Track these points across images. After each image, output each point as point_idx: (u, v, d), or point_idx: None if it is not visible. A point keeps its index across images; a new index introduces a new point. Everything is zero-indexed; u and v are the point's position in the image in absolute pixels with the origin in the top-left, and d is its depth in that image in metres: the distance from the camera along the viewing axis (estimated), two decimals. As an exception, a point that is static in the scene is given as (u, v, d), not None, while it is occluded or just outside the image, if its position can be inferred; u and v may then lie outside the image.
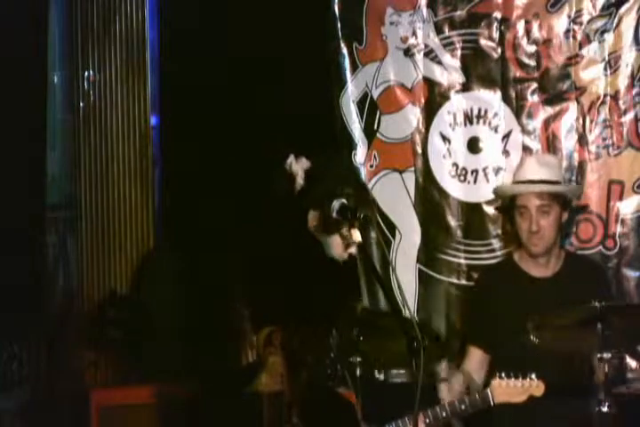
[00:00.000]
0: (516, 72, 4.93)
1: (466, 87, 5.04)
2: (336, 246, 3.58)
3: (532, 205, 4.19)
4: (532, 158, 4.46)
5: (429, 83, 5.10)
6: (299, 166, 3.59)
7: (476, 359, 4.29)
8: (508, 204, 4.34)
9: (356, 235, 3.36)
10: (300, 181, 3.58)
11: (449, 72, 5.06)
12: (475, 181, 4.98)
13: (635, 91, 4.73)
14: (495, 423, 4.20)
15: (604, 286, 4.35)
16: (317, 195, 3.49)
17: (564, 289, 4.17)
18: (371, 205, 3.65)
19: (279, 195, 3.64)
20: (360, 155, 5.20)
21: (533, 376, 3.82)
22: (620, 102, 4.74)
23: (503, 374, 3.84)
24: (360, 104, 5.21)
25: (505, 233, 4.89)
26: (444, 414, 3.75)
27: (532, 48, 4.89)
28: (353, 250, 3.44)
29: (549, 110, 4.87)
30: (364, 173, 5.18)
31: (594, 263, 4.55)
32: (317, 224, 3.54)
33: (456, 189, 5.02)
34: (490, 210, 4.94)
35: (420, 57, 5.11)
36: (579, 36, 4.82)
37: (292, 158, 3.61)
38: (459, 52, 5.05)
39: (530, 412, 4.06)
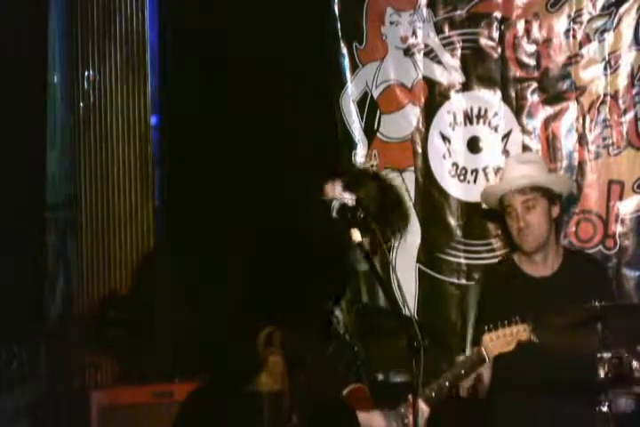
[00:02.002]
0: (515, 72, 4.93)
1: (466, 87, 5.04)
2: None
3: (517, 202, 4.18)
4: (510, 159, 4.48)
5: (429, 82, 5.10)
6: (336, 191, 3.57)
7: None
8: (498, 209, 4.34)
9: (356, 235, 3.36)
10: (335, 204, 3.54)
11: (449, 72, 5.06)
12: (475, 181, 4.98)
13: (634, 90, 4.73)
14: (496, 423, 4.20)
15: (605, 283, 4.34)
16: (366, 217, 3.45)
17: (564, 288, 4.16)
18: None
19: (314, 224, 3.62)
20: (360, 154, 5.20)
21: (518, 319, 3.83)
22: (620, 102, 4.74)
23: (491, 326, 3.84)
24: (360, 104, 5.21)
25: (504, 234, 4.89)
26: (447, 383, 3.74)
27: (531, 48, 4.89)
28: (355, 236, 3.40)
29: (549, 110, 4.87)
30: (363, 172, 5.18)
31: (593, 260, 4.54)
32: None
33: (456, 189, 5.03)
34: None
35: (420, 57, 5.11)
36: (579, 36, 4.82)
37: (333, 183, 3.59)
38: (459, 52, 5.05)
39: (530, 411, 4.07)
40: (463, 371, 3.82)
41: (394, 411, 3.65)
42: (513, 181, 4.22)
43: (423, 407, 3.61)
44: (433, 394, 3.69)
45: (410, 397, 3.62)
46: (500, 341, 3.85)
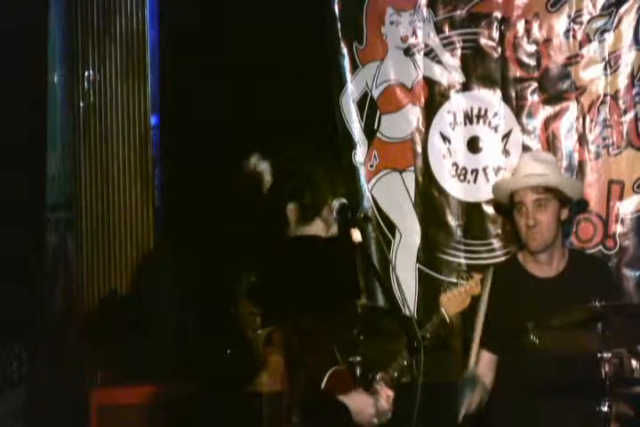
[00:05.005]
0: (516, 72, 4.93)
1: (466, 87, 5.04)
2: (320, 232, 3.58)
3: (529, 199, 4.20)
4: (527, 155, 4.49)
5: (429, 82, 5.10)
6: (265, 165, 3.60)
7: (484, 362, 4.26)
8: (507, 204, 4.35)
9: (357, 235, 3.36)
10: (267, 177, 3.59)
11: (449, 72, 5.06)
12: (475, 181, 4.98)
13: (635, 90, 4.73)
14: (496, 424, 4.20)
15: (609, 284, 4.35)
16: (290, 187, 3.51)
17: (568, 289, 4.17)
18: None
19: (244, 196, 3.65)
20: (360, 154, 5.20)
21: (469, 274, 4.09)
22: (620, 102, 4.74)
23: (446, 286, 4.09)
24: (360, 104, 5.20)
25: (505, 233, 4.89)
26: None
27: (532, 48, 4.89)
28: (334, 230, 3.46)
29: (549, 110, 4.87)
30: (363, 172, 5.18)
31: (599, 262, 4.54)
32: (297, 216, 3.55)
33: (456, 189, 5.03)
34: (490, 210, 4.94)
35: (420, 56, 5.11)
36: (579, 36, 4.82)
37: (255, 159, 3.62)
38: (459, 52, 5.05)
39: (530, 411, 4.07)
40: (428, 335, 3.86)
41: (369, 391, 3.67)
42: (528, 179, 4.23)
43: (387, 392, 3.63)
44: (395, 373, 3.71)
45: (380, 376, 3.67)
46: (455, 299, 4.03)
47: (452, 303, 4.02)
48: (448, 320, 3.98)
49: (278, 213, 3.58)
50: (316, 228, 3.55)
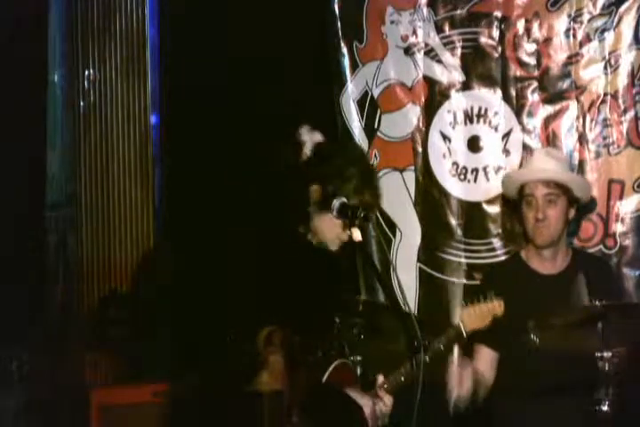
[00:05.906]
0: (516, 71, 4.93)
1: (466, 86, 5.04)
2: (332, 227, 3.53)
3: (540, 193, 4.20)
4: (541, 151, 4.49)
5: (430, 82, 5.10)
6: (309, 137, 3.58)
7: (486, 359, 4.26)
8: (515, 196, 4.35)
9: (357, 234, 3.36)
10: (306, 151, 3.56)
11: (449, 71, 5.06)
12: (475, 180, 4.98)
13: (635, 90, 4.72)
14: (496, 423, 4.20)
15: (611, 284, 4.35)
16: (323, 169, 3.48)
17: (571, 287, 4.17)
18: (376, 191, 3.59)
19: (283, 163, 3.62)
20: (360, 153, 5.20)
21: (493, 295, 3.97)
22: (620, 101, 4.73)
23: (468, 302, 3.99)
24: (360, 103, 5.21)
25: (505, 233, 4.89)
26: (427, 359, 3.74)
27: (532, 47, 4.89)
28: (356, 235, 3.39)
29: (549, 109, 4.87)
30: (363, 171, 5.18)
31: (601, 261, 4.55)
32: (317, 199, 3.51)
33: (456, 188, 5.03)
34: (490, 209, 4.94)
35: (420, 56, 5.11)
36: (579, 35, 4.81)
37: (305, 128, 3.60)
38: (459, 51, 5.05)
39: (530, 411, 4.07)
40: (442, 346, 3.86)
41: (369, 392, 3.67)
42: (541, 172, 4.23)
43: (387, 399, 3.63)
44: (402, 378, 3.71)
45: (381, 381, 3.68)
46: (476, 316, 3.95)
47: (471, 320, 3.95)
48: (465, 335, 3.93)
49: (303, 188, 3.55)
50: (328, 223, 3.51)
